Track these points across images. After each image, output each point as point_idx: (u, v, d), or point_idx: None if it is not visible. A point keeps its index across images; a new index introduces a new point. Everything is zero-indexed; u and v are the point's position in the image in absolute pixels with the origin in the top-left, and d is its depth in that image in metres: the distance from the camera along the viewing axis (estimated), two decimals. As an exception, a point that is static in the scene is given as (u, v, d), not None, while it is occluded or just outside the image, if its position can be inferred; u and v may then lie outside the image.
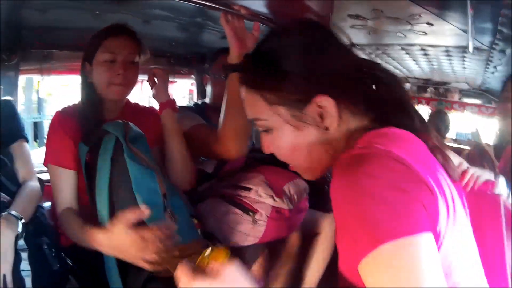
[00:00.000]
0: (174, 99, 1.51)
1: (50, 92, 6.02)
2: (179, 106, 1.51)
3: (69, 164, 1.36)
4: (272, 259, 1.53)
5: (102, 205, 1.20)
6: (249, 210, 1.38)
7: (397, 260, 0.55)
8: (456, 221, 0.66)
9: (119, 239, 1.10)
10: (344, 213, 0.64)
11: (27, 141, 1.55)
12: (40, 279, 1.27)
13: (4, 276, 1.11)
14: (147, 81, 1.53)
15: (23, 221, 1.22)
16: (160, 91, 1.50)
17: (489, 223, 1.02)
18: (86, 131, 1.35)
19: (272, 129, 0.80)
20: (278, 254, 1.57)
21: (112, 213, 1.18)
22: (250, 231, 1.39)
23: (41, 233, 1.37)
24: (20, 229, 1.19)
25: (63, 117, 1.41)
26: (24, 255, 1.31)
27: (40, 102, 4.80)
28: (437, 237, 0.62)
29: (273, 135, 0.80)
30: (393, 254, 0.56)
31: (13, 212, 1.21)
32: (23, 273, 1.23)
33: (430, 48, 2.22)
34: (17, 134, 1.52)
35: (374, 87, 0.82)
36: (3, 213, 1.19)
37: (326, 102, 0.74)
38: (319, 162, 0.81)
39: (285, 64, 0.77)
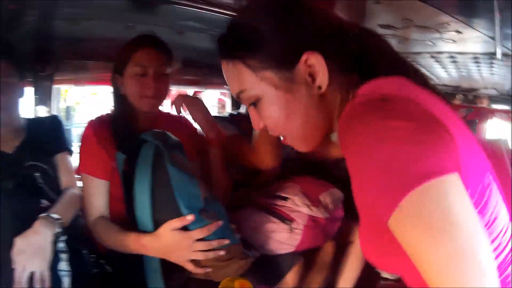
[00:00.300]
0: (223, 132, 1.49)
1: (78, 101, 6.13)
2: (214, 117, 1.54)
3: (102, 173, 1.39)
4: (306, 267, 1.54)
5: (144, 212, 1.24)
6: (285, 219, 1.40)
7: (430, 204, 0.50)
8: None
9: (166, 242, 1.18)
10: (363, 167, 0.57)
11: (71, 154, 1.61)
12: (78, 281, 1.30)
13: (41, 272, 1.18)
14: (172, 105, 1.52)
15: (61, 222, 1.28)
16: (204, 122, 1.46)
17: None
18: (121, 141, 1.38)
19: (260, 98, 0.74)
20: (313, 262, 1.58)
21: (154, 219, 1.23)
22: (287, 239, 1.40)
23: (81, 238, 1.41)
24: (58, 230, 1.26)
25: (95, 127, 1.43)
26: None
27: (68, 110, 4.89)
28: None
29: (263, 105, 0.75)
30: (424, 199, 0.50)
31: (51, 214, 1.28)
32: (63, 273, 1.27)
33: (458, 56, 2.23)
34: (62, 146, 1.61)
35: (359, 43, 0.76)
36: (42, 215, 1.26)
37: (315, 59, 0.70)
38: (315, 127, 0.76)
39: (266, 24, 0.72)
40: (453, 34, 1.80)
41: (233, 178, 1.61)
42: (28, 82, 2.05)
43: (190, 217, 1.17)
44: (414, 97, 0.63)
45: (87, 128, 1.45)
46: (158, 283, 1.25)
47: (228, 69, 0.76)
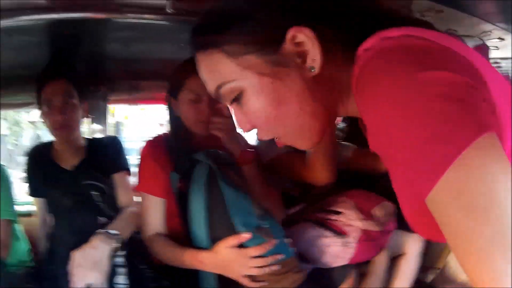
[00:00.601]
0: (250, 150, 1.47)
1: (126, 115, 6.31)
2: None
3: (159, 191, 1.43)
4: (359, 278, 1.57)
5: (200, 231, 1.29)
6: (339, 233, 1.43)
7: (473, 179, 0.41)
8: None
9: (223, 258, 1.23)
10: (399, 133, 0.46)
11: (129, 173, 1.70)
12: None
13: (97, 285, 1.25)
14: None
15: (119, 237, 1.35)
16: (230, 143, 1.43)
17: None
18: (177, 161, 1.42)
19: (244, 90, 0.62)
20: (365, 274, 1.61)
21: (210, 237, 1.28)
22: (341, 253, 1.42)
23: (139, 253, 1.48)
24: (115, 245, 1.34)
25: (153, 147, 1.48)
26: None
27: (117, 125, 5.06)
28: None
29: (247, 99, 0.62)
30: (467, 173, 0.41)
31: (109, 230, 1.36)
32: (121, 286, 1.36)
33: (502, 61, 2.23)
34: (121, 166, 1.70)
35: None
36: (100, 230, 1.34)
37: (303, 35, 0.58)
38: (314, 117, 0.63)
39: (241, 1, 0.62)
40: (496, 41, 1.82)
41: (289, 193, 1.66)
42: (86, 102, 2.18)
43: (246, 236, 1.22)
44: (446, 43, 0.50)
45: (145, 148, 1.49)
46: None
47: (203, 61, 0.66)
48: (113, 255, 1.34)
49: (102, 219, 1.49)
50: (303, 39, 0.58)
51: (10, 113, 7.72)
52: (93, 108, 2.20)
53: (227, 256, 1.23)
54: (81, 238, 1.33)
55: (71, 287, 1.26)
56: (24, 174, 1.78)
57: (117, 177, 1.70)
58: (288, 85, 0.61)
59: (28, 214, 1.92)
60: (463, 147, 0.41)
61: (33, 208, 1.91)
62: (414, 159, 0.44)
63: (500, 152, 0.43)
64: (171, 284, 1.44)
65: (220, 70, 0.63)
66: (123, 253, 1.38)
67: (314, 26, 0.58)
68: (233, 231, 1.24)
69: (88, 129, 2.27)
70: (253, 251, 1.22)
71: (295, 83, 0.61)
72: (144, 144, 1.52)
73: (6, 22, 1.19)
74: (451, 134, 0.42)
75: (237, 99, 0.64)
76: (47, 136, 1.82)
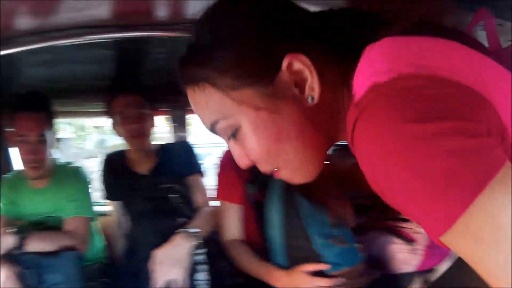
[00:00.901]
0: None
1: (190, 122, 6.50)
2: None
3: (237, 199, 1.50)
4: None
5: (276, 237, 1.35)
6: (408, 240, 1.44)
7: (488, 218, 0.38)
8: None
9: (296, 282, 1.28)
10: (392, 189, 0.44)
11: (203, 175, 1.79)
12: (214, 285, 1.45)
13: (178, 281, 1.34)
14: None
15: (199, 235, 1.44)
16: None
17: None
18: (254, 172, 1.49)
19: (240, 126, 0.58)
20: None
21: (286, 246, 1.34)
22: (409, 259, 1.44)
23: (218, 251, 1.55)
24: (196, 243, 1.42)
25: (231, 156, 1.55)
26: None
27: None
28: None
29: (244, 135, 0.59)
30: (483, 214, 0.38)
31: (189, 229, 1.45)
32: (201, 283, 1.45)
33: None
34: (194, 168, 1.80)
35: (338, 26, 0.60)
36: (180, 230, 1.44)
37: (300, 63, 0.55)
38: (315, 149, 0.60)
39: (231, 30, 0.57)
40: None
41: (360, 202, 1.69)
42: (163, 111, 2.33)
43: (324, 267, 1.27)
44: (432, 62, 0.45)
45: (224, 156, 1.55)
46: None
47: (195, 96, 0.61)
48: (194, 253, 1.42)
49: (180, 220, 1.57)
50: (300, 67, 0.55)
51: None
52: (174, 117, 2.37)
53: (301, 281, 1.27)
54: (160, 238, 1.43)
55: (152, 284, 1.35)
56: (101, 180, 1.92)
57: (191, 179, 1.81)
58: (287, 119, 0.57)
59: (103, 214, 2.04)
60: (476, 193, 0.38)
61: (107, 208, 2.05)
62: (422, 212, 0.42)
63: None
64: (247, 281, 1.48)
65: (214, 106, 0.59)
66: (203, 250, 1.46)
67: (307, 52, 0.55)
68: (307, 240, 1.30)
69: (172, 136, 2.40)
70: (326, 282, 1.26)
71: (294, 116, 0.57)
72: (222, 153, 1.59)
73: (77, 40, 1.29)
74: (461, 185, 0.39)
75: (234, 134, 0.60)
76: (110, 141, 1.95)
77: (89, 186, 1.85)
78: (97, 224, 1.93)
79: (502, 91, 0.45)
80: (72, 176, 1.83)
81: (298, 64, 0.55)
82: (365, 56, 0.50)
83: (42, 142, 1.69)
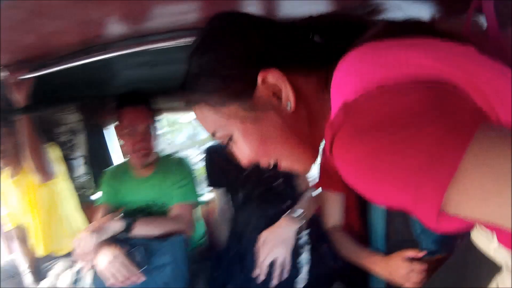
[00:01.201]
0: None
1: None
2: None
3: (338, 187, 1.54)
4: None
5: (377, 226, 1.37)
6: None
7: (479, 174, 0.39)
8: None
9: (394, 268, 1.29)
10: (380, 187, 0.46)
11: None
12: (316, 270, 1.50)
13: (282, 259, 1.39)
14: None
15: (303, 217, 1.49)
16: None
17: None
18: None
19: (233, 134, 0.69)
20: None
21: (387, 230, 1.36)
22: None
23: (322, 233, 1.59)
24: (300, 224, 1.47)
25: None
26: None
27: None
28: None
29: (237, 141, 0.70)
30: (472, 175, 0.40)
31: (294, 213, 1.50)
32: (303, 263, 1.51)
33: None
34: None
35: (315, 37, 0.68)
36: (286, 212, 1.49)
37: (272, 77, 0.63)
38: (303, 144, 0.69)
39: (210, 58, 0.67)
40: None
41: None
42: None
43: (422, 253, 1.27)
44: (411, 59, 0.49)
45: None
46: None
47: (197, 113, 0.73)
48: (297, 234, 1.47)
49: (284, 205, 1.62)
50: (273, 80, 0.63)
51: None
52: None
53: (398, 267, 1.28)
54: (265, 223, 1.50)
55: (257, 266, 1.42)
56: (205, 168, 2.02)
57: None
58: (270, 125, 0.66)
59: (204, 202, 2.15)
60: (465, 145, 0.40)
61: (207, 196, 2.16)
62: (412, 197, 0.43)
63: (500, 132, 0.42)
64: (346, 265, 1.51)
65: (210, 120, 0.70)
66: (307, 232, 1.51)
67: (282, 66, 0.63)
68: (408, 226, 1.31)
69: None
70: (421, 269, 1.26)
71: (276, 122, 0.66)
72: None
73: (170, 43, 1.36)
74: (442, 156, 0.41)
75: (230, 140, 0.71)
76: (201, 135, 2.03)
77: (193, 173, 1.95)
78: (198, 210, 2.04)
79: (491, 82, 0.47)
80: (176, 165, 1.94)
81: (271, 78, 0.63)
82: (337, 70, 0.56)
83: (149, 132, 1.83)
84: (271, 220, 1.50)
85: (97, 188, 2.61)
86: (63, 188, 2.30)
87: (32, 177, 2.07)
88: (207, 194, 2.24)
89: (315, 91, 0.67)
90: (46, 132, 2.50)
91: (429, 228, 0.47)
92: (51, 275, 2.08)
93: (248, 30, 0.67)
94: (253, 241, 1.46)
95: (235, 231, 1.79)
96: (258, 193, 1.75)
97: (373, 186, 0.47)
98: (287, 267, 1.42)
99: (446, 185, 0.41)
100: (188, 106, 0.74)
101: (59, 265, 2.13)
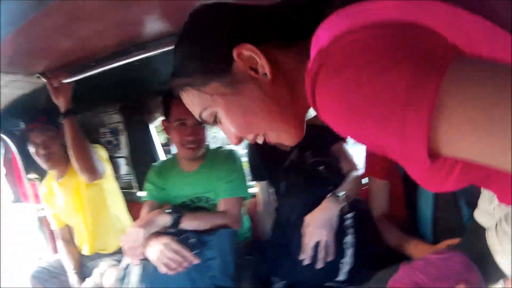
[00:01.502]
0: None
1: None
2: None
3: (384, 175, 1.54)
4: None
5: (425, 213, 1.34)
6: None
7: (460, 105, 0.39)
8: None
9: None
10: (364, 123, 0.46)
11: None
12: (361, 251, 1.46)
13: (326, 241, 1.39)
14: None
15: (346, 198, 1.49)
16: None
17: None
18: None
19: (217, 112, 0.73)
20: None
21: (434, 217, 1.33)
22: None
23: (365, 215, 1.57)
24: (343, 205, 1.48)
25: None
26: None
27: None
28: None
29: (223, 118, 0.73)
30: (455, 105, 0.39)
31: (337, 193, 1.49)
32: (347, 245, 1.45)
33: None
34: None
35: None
36: (329, 194, 1.49)
37: (246, 51, 0.67)
38: (287, 114, 0.72)
39: (189, 43, 0.72)
40: None
41: None
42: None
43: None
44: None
45: None
46: None
47: (184, 98, 0.78)
48: (342, 215, 1.46)
49: (329, 189, 1.58)
50: (247, 53, 0.67)
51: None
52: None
53: None
54: (310, 209, 1.48)
55: (302, 250, 1.42)
56: (248, 162, 2.01)
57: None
58: (249, 97, 0.69)
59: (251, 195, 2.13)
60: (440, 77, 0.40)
61: (253, 189, 2.13)
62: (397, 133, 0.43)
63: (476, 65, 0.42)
64: (390, 252, 1.48)
65: (196, 102, 0.75)
66: (351, 214, 1.49)
67: (254, 39, 0.67)
68: (457, 213, 1.26)
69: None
70: None
71: (256, 92, 0.69)
72: None
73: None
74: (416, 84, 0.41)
75: (216, 120, 0.75)
76: None
77: (242, 167, 1.92)
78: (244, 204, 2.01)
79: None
80: (225, 158, 1.91)
81: (246, 52, 0.67)
82: (313, 37, 0.59)
83: (200, 125, 1.80)
84: (315, 206, 1.50)
85: (141, 186, 2.63)
86: (110, 187, 2.35)
87: (79, 178, 2.11)
88: (251, 187, 2.19)
89: (296, 62, 0.69)
90: (91, 133, 2.54)
91: (429, 189, 0.51)
92: (95, 273, 2.12)
93: (221, 13, 0.72)
94: (298, 228, 1.46)
95: (279, 222, 1.78)
96: (301, 181, 1.72)
97: (358, 125, 0.47)
98: (331, 249, 1.41)
99: (430, 112, 0.40)
100: (176, 92, 0.78)
101: (104, 264, 2.18)
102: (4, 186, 3.00)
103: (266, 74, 0.68)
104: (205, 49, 0.71)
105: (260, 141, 0.77)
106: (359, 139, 0.51)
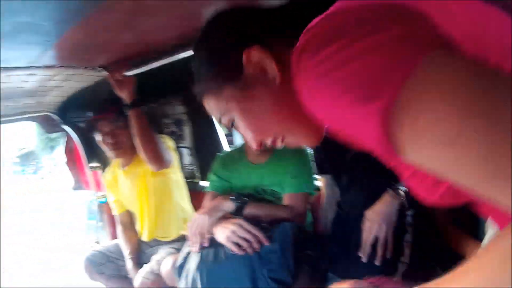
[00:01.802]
0: None
1: None
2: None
3: None
4: None
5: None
6: None
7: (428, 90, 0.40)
8: None
9: None
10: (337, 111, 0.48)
11: None
12: (418, 248, 1.42)
13: (385, 237, 1.37)
14: None
15: (406, 193, 1.42)
16: None
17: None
18: None
19: (234, 117, 0.74)
20: None
21: None
22: None
23: (425, 212, 1.49)
24: (403, 200, 1.42)
25: None
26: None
27: None
28: None
29: (239, 122, 0.74)
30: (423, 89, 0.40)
31: (395, 189, 1.43)
32: (406, 244, 1.42)
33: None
34: None
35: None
36: (389, 188, 1.44)
37: (255, 54, 0.67)
38: (299, 115, 0.67)
39: (202, 51, 0.74)
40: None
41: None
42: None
43: None
44: None
45: None
46: None
47: (206, 105, 0.78)
48: (402, 211, 1.42)
49: (391, 183, 1.51)
50: (256, 57, 0.67)
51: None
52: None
53: None
54: (372, 202, 1.46)
55: (362, 245, 1.41)
56: (313, 156, 1.95)
57: None
58: (261, 100, 0.70)
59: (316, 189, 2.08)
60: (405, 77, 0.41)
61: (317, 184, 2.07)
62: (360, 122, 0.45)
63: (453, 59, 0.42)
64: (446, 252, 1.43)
65: (214, 108, 0.76)
66: (411, 212, 1.44)
67: (263, 42, 0.68)
68: None
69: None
70: None
71: (267, 97, 0.69)
72: None
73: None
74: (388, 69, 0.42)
75: (233, 125, 0.76)
76: None
77: (310, 162, 1.89)
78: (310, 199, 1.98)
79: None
80: (294, 152, 1.88)
81: (254, 55, 0.67)
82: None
83: None
84: (376, 201, 1.47)
85: (203, 176, 2.65)
86: (176, 177, 2.39)
87: (145, 166, 2.16)
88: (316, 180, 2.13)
89: None
90: (155, 124, 2.58)
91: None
92: (153, 259, 2.18)
93: (233, 18, 0.73)
94: (358, 224, 1.46)
95: (340, 217, 1.75)
96: (364, 174, 1.66)
97: (331, 102, 0.48)
98: (390, 245, 1.39)
99: (385, 105, 0.41)
100: (198, 97, 0.79)
101: (163, 251, 2.22)
102: (64, 174, 3.14)
103: (275, 77, 0.69)
104: (217, 54, 0.72)
105: (279, 144, 0.77)
106: (333, 123, 0.53)
